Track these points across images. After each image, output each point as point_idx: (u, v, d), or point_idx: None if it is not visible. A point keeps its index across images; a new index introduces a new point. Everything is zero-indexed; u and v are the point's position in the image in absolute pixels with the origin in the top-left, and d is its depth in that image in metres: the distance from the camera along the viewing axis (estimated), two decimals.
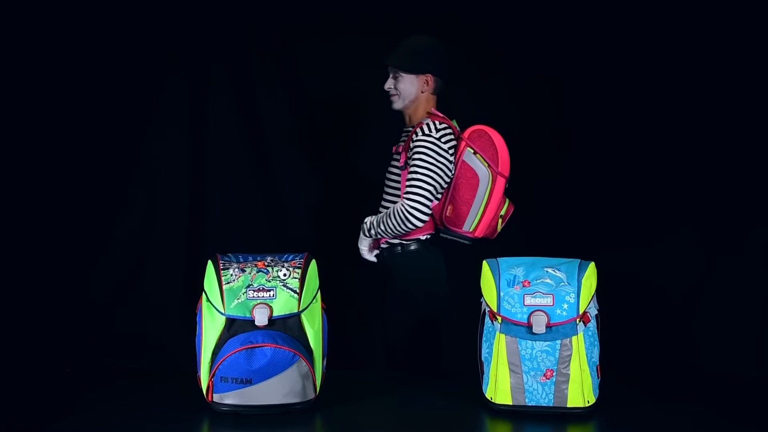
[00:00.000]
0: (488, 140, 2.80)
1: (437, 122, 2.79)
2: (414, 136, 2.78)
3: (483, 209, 2.81)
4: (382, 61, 2.89)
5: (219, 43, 3.60)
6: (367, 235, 2.89)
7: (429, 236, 2.88)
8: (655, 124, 3.61)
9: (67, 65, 3.49)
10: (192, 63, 3.58)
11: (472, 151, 2.79)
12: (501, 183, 2.80)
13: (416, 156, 2.75)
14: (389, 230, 2.79)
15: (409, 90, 2.87)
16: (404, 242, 2.86)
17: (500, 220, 2.87)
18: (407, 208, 2.73)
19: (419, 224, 2.74)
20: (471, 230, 2.82)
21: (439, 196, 2.81)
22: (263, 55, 3.63)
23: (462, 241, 2.85)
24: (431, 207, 2.76)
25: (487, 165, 2.78)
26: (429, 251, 2.88)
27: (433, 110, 2.87)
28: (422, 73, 2.87)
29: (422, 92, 2.88)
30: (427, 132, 2.76)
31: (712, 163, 3.57)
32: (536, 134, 3.65)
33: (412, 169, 2.75)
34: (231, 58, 3.62)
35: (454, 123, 2.87)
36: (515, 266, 2.19)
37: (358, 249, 2.95)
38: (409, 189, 2.74)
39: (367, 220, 2.89)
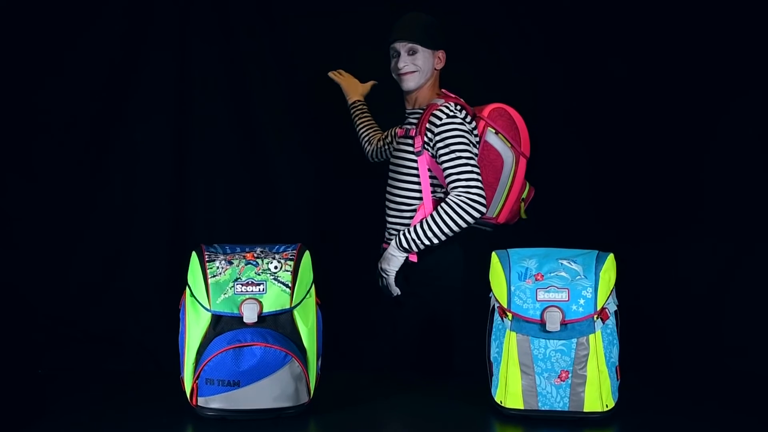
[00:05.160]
0: (509, 119, 2.86)
1: (452, 103, 2.79)
2: (436, 120, 2.76)
3: (507, 193, 2.86)
4: (389, 38, 2.89)
5: (205, 16, 3.58)
6: (402, 248, 2.77)
7: None
8: (679, 106, 3.59)
9: (40, 37, 3.46)
10: (176, 38, 3.56)
11: (494, 131, 2.81)
12: (524, 164, 2.86)
13: (452, 141, 2.72)
14: (445, 231, 2.71)
15: (428, 66, 2.89)
16: None
17: (522, 204, 2.90)
18: (470, 199, 2.67)
19: (484, 211, 2.71)
20: (494, 216, 2.87)
21: None
22: (254, 31, 3.62)
23: (484, 228, 2.87)
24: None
25: (510, 145, 2.82)
26: (450, 244, 2.87)
27: (444, 91, 2.89)
28: (438, 48, 2.90)
29: (436, 69, 2.91)
30: (451, 114, 2.76)
31: (740, 149, 3.55)
32: (551, 119, 3.63)
33: (452, 156, 2.70)
34: (218, 33, 3.60)
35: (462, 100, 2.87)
36: (527, 258, 2.19)
37: (380, 272, 2.85)
38: (460, 177, 2.69)
39: (402, 233, 2.77)
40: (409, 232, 2.76)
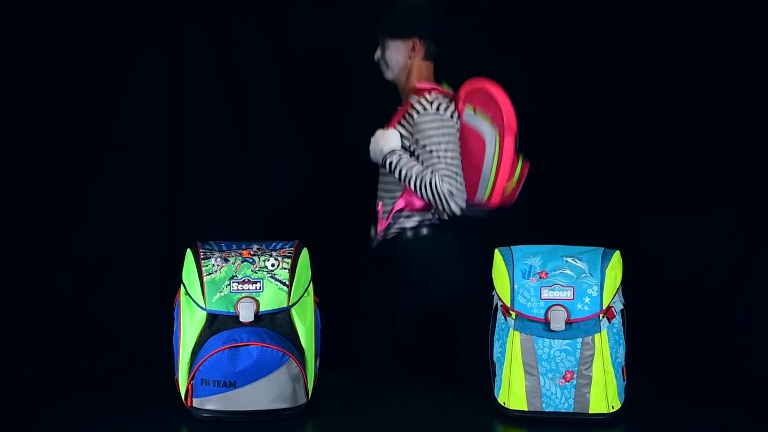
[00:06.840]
0: (486, 94, 2.79)
1: (426, 95, 2.79)
2: (410, 119, 2.77)
3: (495, 173, 2.79)
4: (372, 30, 2.90)
5: (199, 8, 3.58)
6: (387, 165, 2.80)
7: (439, 218, 2.88)
8: (688, 85, 3.57)
9: (30, 27, 3.47)
10: (168, 25, 3.56)
11: (472, 110, 2.78)
12: (510, 140, 2.76)
13: (429, 138, 2.73)
14: (419, 192, 2.74)
15: (397, 58, 2.87)
16: (415, 227, 2.85)
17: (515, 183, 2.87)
18: (448, 191, 2.69)
19: (457, 211, 2.73)
20: (485, 199, 2.82)
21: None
22: (248, 16, 3.62)
23: (477, 215, 2.85)
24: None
25: (490, 122, 2.77)
26: (443, 234, 2.87)
27: (417, 84, 2.86)
28: (407, 37, 2.86)
29: (410, 59, 2.88)
30: (422, 111, 2.75)
31: (755, 132, 3.54)
32: (551, 107, 3.63)
33: (428, 150, 2.72)
34: (210, 18, 3.60)
35: (445, 86, 2.85)
36: (531, 255, 2.20)
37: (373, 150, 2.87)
38: (443, 172, 2.71)
39: (399, 156, 2.78)
40: (399, 162, 2.77)
